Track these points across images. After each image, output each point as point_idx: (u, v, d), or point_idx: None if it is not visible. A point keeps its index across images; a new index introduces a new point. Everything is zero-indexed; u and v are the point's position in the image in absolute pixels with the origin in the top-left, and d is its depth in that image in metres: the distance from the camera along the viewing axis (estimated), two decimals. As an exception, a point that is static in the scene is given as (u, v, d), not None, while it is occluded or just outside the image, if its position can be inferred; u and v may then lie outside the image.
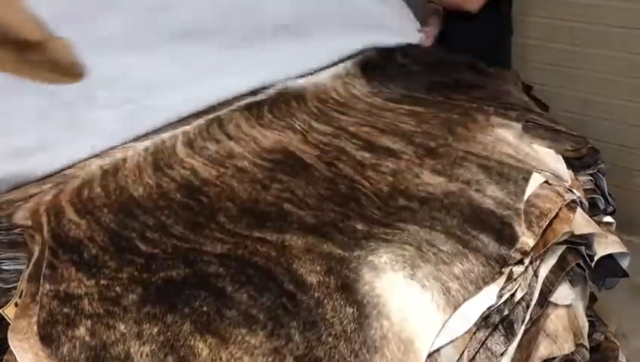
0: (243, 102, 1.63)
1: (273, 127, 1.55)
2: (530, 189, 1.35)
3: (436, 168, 1.41)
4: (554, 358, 1.29)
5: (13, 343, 0.94)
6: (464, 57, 2.01)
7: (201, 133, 1.48)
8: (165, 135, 1.46)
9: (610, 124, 2.61)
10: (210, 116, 1.55)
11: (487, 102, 1.74)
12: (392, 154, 1.47)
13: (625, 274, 1.53)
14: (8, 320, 1.01)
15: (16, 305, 1.03)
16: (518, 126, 1.60)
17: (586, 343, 1.38)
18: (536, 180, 1.38)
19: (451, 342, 1.04)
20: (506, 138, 1.54)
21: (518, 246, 1.23)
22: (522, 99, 1.85)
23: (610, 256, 1.49)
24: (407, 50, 2.06)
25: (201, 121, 1.52)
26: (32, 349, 0.93)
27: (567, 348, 1.30)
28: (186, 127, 1.49)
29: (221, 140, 1.47)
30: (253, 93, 1.69)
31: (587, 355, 1.37)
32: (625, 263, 1.52)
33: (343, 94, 1.77)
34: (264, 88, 1.71)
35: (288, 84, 1.75)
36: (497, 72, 2.05)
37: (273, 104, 1.64)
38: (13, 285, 1.08)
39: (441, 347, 1.03)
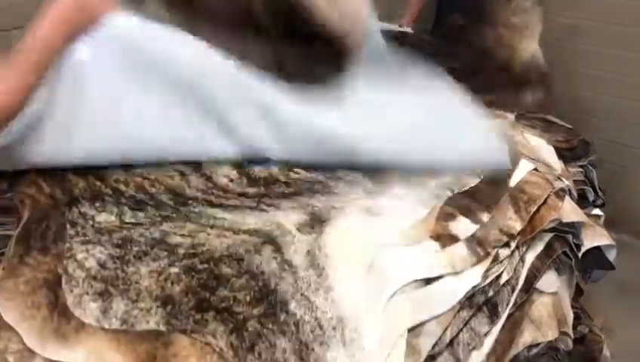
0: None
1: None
2: (520, 175, 1.37)
3: (428, 151, 1.42)
4: (538, 344, 1.30)
5: (0, 302, 0.94)
6: (461, 47, 2.01)
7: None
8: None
9: (604, 122, 2.62)
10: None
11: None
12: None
13: (611, 267, 1.53)
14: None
15: (3, 269, 1.03)
16: (511, 115, 1.61)
17: (570, 332, 1.38)
18: (525, 166, 1.39)
19: (435, 318, 1.05)
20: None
21: (505, 228, 1.24)
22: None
23: (597, 249, 1.49)
24: (403, 38, 2.07)
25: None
26: (18, 308, 0.93)
27: (551, 334, 1.31)
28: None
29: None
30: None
31: (570, 344, 1.38)
32: (611, 256, 1.53)
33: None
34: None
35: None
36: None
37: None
38: (1, 251, 1.08)
39: (425, 322, 1.04)
